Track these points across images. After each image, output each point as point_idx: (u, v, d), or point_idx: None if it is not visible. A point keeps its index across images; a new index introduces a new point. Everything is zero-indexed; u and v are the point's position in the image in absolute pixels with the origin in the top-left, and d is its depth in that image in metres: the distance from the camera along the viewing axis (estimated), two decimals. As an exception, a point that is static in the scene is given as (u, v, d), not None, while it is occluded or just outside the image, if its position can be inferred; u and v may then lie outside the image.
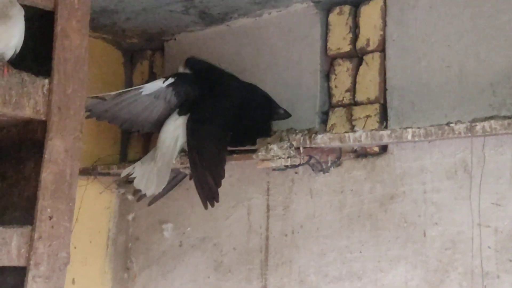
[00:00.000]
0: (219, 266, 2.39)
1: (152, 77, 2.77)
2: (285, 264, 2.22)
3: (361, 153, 2.09)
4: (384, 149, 2.06)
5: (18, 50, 1.92)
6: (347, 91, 2.20)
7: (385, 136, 1.81)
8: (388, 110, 2.09)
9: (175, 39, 2.67)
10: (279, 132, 2.00)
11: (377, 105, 2.12)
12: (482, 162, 1.86)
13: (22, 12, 1.85)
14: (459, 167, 1.91)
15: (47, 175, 1.88)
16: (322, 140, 1.90)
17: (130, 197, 2.56)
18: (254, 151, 2.02)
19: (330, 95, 2.24)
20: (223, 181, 2.26)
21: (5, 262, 1.81)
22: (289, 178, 2.25)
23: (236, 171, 2.35)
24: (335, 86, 2.23)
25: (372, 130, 1.88)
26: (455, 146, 1.92)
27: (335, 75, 2.24)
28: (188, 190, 2.50)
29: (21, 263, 1.84)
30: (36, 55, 2.05)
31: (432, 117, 1.96)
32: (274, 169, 2.18)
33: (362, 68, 2.18)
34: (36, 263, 1.86)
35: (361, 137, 1.84)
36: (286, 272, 2.21)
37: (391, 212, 2.02)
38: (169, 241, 2.55)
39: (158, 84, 2.22)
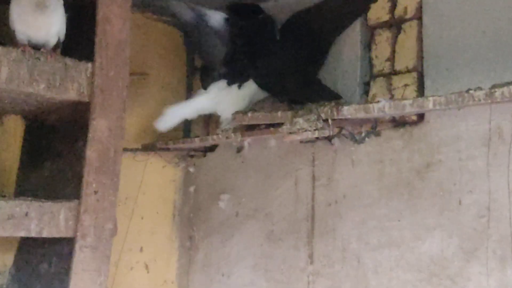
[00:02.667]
0: (271, 235, 2.43)
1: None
2: (329, 232, 2.24)
3: (399, 122, 2.06)
4: (421, 117, 2.02)
5: (62, 38, 2.04)
6: (387, 60, 2.17)
7: (407, 105, 1.78)
8: (425, 78, 2.05)
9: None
10: (309, 105, 2.00)
11: (414, 74, 2.08)
12: None
13: (61, 1, 1.95)
14: (494, 133, 1.85)
15: (91, 152, 2.00)
16: (348, 111, 1.90)
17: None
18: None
19: (371, 66, 2.22)
20: (273, 153, 2.40)
21: (54, 233, 1.95)
22: (332, 149, 2.26)
23: (283, 143, 2.37)
24: (376, 56, 2.21)
25: (395, 100, 1.86)
26: (490, 113, 1.85)
27: (376, 44, 2.21)
28: (243, 162, 2.58)
29: (69, 234, 1.98)
30: (80, 40, 2.14)
31: (468, 84, 1.88)
32: (301, 142, 2.20)
33: (400, 36, 2.14)
34: (83, 235, 1.98)
35: (384, 107, 1.82)
36: (330, 240, 2.23)
37: (428, 180, 1.99)
38: (226, 211, 2.62)
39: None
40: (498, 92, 1.61)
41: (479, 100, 1.64)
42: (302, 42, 2.32)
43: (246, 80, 2.36)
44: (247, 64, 2.36)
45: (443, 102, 1.71)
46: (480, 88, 1.66)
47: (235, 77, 2.40)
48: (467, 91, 1.67)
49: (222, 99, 2.40)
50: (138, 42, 2.67)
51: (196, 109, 2.53)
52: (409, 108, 1.79)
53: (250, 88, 2.35)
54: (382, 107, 1.83)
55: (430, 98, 1.74)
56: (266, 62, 2.35)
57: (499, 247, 1.81)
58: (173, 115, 2.53)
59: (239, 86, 2.37)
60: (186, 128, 2.85)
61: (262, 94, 2.38)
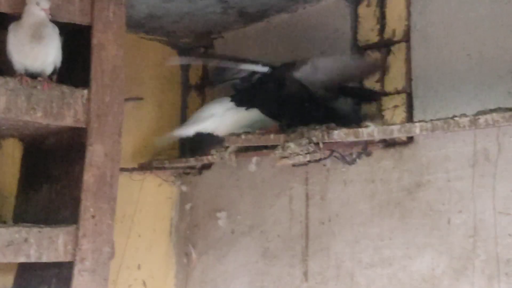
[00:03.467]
0: (266, 252, 2.46)
1: (205, 75, 2.90)
2: (323, 250, 2.27)
3: (390, 143, 2.10)
4: (410, 138, 2.05)
5: (58, 65, 2.07)
6: (377, 81, 2.20)
7: (395, 130, 1.82)
8: (414, 99, 2.09)
9: (222, 37, 2.76)
10: (300, 129, 2.03)
11: (404, 95, 2.11)
12: (502, 150, 1.84)
13: (57, 31, 1.99)
14: (481, 155, 1.88)
15: (88, 177, 2.04)
16: (338, 135, 1.93)
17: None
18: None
19: (360, 85, 2.26)
20: (267, 171, 2.45)
21: (53, 258, 1.98)
22: (325, 168, 2.29)
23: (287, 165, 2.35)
24: (366, 78, 2.23)
25: (383, 125, 1.89)
26: (477, 135, 1.89)
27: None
28: (238, 180, 2.62)
29: (67, 258, 2.00)
30: (76, 65, 2.18)
31: (455, 105, 1.95)
32: (294, 165, 2.24)
33: (389, 58, 2.17)
34: (82, 259, 2.01)
35: (373, 132, 1.87)
36: (324, 258, 2.26)
37: (418, 200, 2.02)
38: (223, 228, 2.64)
39: None
40: (482, 119, 1.64)
41: (464, 126, 1.67)
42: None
43: (253, 107, 2.37)
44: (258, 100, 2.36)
45: (429, 128, 1.75)
46: (465, 115, 1.68)
47: (244, 102, 2.41)
48: (453, 117, 1.69)
49: (225, 118, 2.44)
50: (132, 63, 2.69)
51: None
52: (397, 133, 1.83)
53: (255, 113, 2.38)
54: (371, 132, 1.87)
55: (417, 124, 1.77)
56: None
57: (486, 266, 1.84)
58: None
59: (246, 109, 2.40)
60: (181, 146, 2.89)
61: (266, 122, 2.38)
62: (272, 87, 2.29)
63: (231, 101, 2.40)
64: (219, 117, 2.46)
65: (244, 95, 2.37)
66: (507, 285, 1.80)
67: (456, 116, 1.71)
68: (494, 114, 1.63)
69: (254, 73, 2.25)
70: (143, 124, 2.80)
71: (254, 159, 2.49)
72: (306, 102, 2.18)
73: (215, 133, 2.51)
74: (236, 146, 2.31)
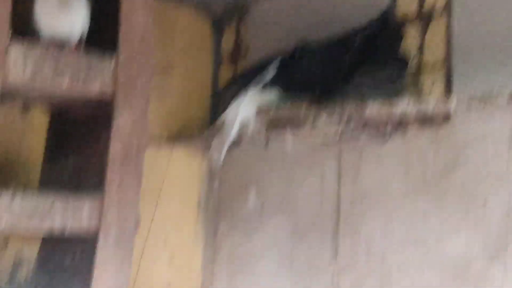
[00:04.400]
0: (295, 230, 2.51)
1: (238, 46, 2.92)
2: (354, 230, 2.31)
3: (426, 121, 2.10)
4: (447, 116, 2.06)
5: (85, 33, 2.11)
6: (415, 53, 2.23)
7: (430, 106, 1.87)
8: (453, 73, 2.11)
9: (256, 10, 2.81)
10: (331, 104, 2.07)
11: (443, 69, 2.14)
12: None
13: None
14: None
15: (115, 147, 2.08)
16: (371, 110, 1.98)
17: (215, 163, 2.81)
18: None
19: (398, 57, 2.25)
20: (299, 148, 2.48)
21: (77, 227, 2.04)
22: (358, 145, 2.32)
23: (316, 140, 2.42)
24: (405, 49, 2.25)
25: (416, 101, 1.93)
26: None
27: (405, 37, 2.26)
28: (268, 156, 2.66)
29: (92, 229, 2.05)
30: (103, 32, 2.20)
31: (496, 80, 1.95)
32: (324, 141, 2.28)
33: (429, 31, 2.20)
34: (106, 229, 2.05)
35: (407, 106, 1.91)
36: (355, 237, 2.31)
37: (453, 180, 2.05)
38: (251, 205, 2.69)
39: None
40: (518, 97, 1.68)
41: (502, 103, 1.72)
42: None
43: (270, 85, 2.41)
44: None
45: (466, 103, 1.79)
46: (502, 92, 1.72)
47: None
48: (491, 93, 1.74)
49: (245, 101, 2.46)
50: (161, 31, 2.68)
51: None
52: (432, 108, 1.87)
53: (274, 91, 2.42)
54: (405, 106, 1.92)
55: (453, 99, 1.82)
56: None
57: None
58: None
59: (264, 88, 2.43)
60: (211, 117, 2.91)
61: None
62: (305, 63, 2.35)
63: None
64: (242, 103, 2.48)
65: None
66: (543, 270, 1.84)
67: (494, 93, 1.74)
68: (537, 90, 1.66)
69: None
70: (172, 95, 2.83)
71: (285, 135, 2.50)
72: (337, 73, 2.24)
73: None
74: (266, 121, 2.35)
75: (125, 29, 2.13)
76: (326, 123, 2.04)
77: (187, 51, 2.90)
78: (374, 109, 1.99)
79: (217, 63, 3.00)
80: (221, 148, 2.52)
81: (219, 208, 2.88)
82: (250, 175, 2.74)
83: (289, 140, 2.53)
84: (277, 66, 2.43)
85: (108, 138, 2.11)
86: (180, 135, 2.77)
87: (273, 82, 2.43)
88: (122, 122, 2.11)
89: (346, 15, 2.43)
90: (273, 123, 2.38)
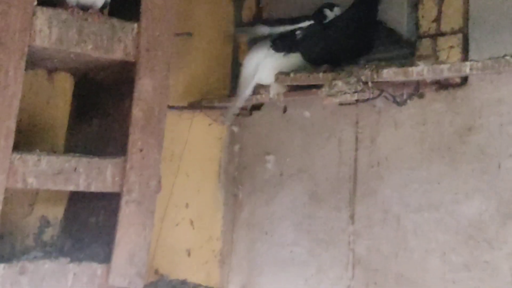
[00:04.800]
0: (313, 195, 2.55)
1: (259, 13, 2.94)
2: (370, 194, 2.35)
3: (443, 85, 2.14)
4: (464, 80, 2.10)
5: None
6: (433, 21, 2.23)
7: (445, 70, 1.89)
8: (470, 40, 2.12)
9: None
10: (349, 68, 2.10)
11: (460, 35, 2.15)
12: None
13: None
14: None
15: (137, 111, 2.14)
16: (388, 74, 2.00)
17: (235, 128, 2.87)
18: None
19: (417, 26, 2.28)
20: (318, 114, 2.53)
21: (101, 188, 2.11)
22: (375, 110, 2.35)
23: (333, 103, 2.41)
24: (422, 17, 2.27)
25: (433, 64, 1.95)
26: None
27: (423, 5, 2.27)
28: (288, 122, 2.69)
29: (115, 189, 2.12)
30: (129, 5, 2.25)
31: (509, 45, 1.98)
32: (341, 104, 2.31)
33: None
34: (129, 190, 2.13)
35: (423, 71, 1.93)
36: (371, 202, 2.34)
37: (469, 144, 2.07)
38: (271, 170, 2.73)
39: None
40: (537, 58, 1.70)
41: None
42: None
43: (292, 51, 2.45)
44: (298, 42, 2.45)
45: (479, 67, 1.81)
46: None
47: (283, 47, 2.49)
48: (503, 56, 1.76)
49: (265, 65, 2.50)
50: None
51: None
52: (447, 72, 1.90)
53: (295, 58, 2.44)
54: (421, 71, 1.94)
55: (467, 63, 1.84)
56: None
57: None
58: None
59: (284, 55, 2.46)
60: (232, 85, 2.94)
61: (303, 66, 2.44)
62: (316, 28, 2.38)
63: (271, 47, 2.50)
64: (261, 66, 2.51)
65: (284, 41, 2.47)
66: (556, 230, 1.87)
67: (507, 55, 1.76)
68: (549, 53, 1.68)
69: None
70: (194, 61, 2.85)
71: (304, 100, 2.55)
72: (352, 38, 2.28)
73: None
74: (285, 86, 2.38)
75: (147, -3, 2.18)
76: (343, 87, 2.06)
77: (209, 19, 2.92)
78: (390, 73, 2.01)
79: (237, 32, 3.01)
80: (234, 105, 2.56)
81: (239, 173, 2.91)
82: (270, 141, 2.76)
83: (307, 105, 2.58)
84: (304, 29, 2.46)
85: (130, 103, 2.17)
86: (202, 101, 2.80)
87: (296, 47, 2.47)
88: (144, 87, 2.17)
89: None
90: (292, 88, 2.40)
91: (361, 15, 2.35)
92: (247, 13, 3.01)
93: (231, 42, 3.01)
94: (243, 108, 2.85)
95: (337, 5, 2.41)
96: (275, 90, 2.47)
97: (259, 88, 2.65)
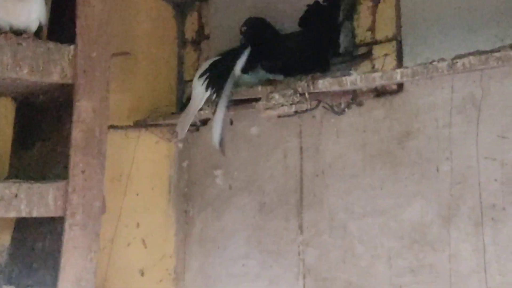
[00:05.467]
0: (262, 207, 2.56)
1: (201, 29, 2.95)
2: (317, 203, 2.37)
3: (380, 92, 2.19)
4: (400, 87, 2.14)
5: (44, 22, 2.14)
6: (368, 30, 2.27)
7: (377, 78, 1.92)
8: (404, 47, 2.16)
9: None
10: (285, 80, 2.13)
11: (394, 43, 2.19)
12: (487, 96, 1.93)
13: None
14: (468, 101, 1.98)
15: (77, 133, 2.12)
16: (323, 84, 2.03)
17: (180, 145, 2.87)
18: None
19: (353, 35, 2.32)
20: (262, 127, 2.53)
21: (43, 213, 2.07)
22: (317, 120, 2.38)
23: (272, 116, 2.45)
24: (358, 26, 2.31)
25: (365, 72, 1.99)
26: (464, 81, 1.98)
27: (358, 14, 2.31)
28: (234, 136, 2.70)
29: (58, 213, 2.09)
30: (64, 22, 2.24)
31: (443, 51, 2.00)
32: (279, 116, 2.33)
33: (380, 6, 2.25)
34: (72, 213, 2.09)
35: (356, 80, 1.97)
36: (318, 210, 2.36)
37: (408, 149, 2.12)
38: (220, 185, 2.74)
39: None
40: (459, 63, 1.74)
41: (442, 71, 1.77)
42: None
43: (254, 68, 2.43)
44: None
45: (409, 73, 1.84)
46: (443, 59, 1.78)
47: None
48: (431, 62, 1.79)
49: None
50: (124, 18, 2.76)
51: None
52: (379, 80, 1.93)
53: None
54: (354, 80, 1.97)
55: (398, 71, 1.87)
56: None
57: (473, 212, 1.95)
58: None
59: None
60: (178, 101, 2.97)
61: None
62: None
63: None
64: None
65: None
66: (493, 230, 1.91)
67: (434, 61, 1.80)
68: (471, 57, 1.72)
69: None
70: (138, 81, 2.85)
71: (248, 114, 2.56)
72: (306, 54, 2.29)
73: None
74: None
75: (82, 17, 2.17)
76: (280, 99, 2.08)
77: (151, 37, 2.92)
78: (325, 84, 2.04)
79: (181, 47, 3.03)
80: (184, 124, 2.54)
81: (189, 189, 2.91)
82: (217, 155, 2.71)
83: (252, 119, 2.60)
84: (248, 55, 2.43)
85: (70, 125, 2.15)
86: (147, 119, 2.80)
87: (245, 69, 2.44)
88: (83, 108, 2.15)
89: None
90: (236, 102, 2.40)
91: (312, 34, 2.38)
92: (190, 29, 3.02)
93: (176, 59, 3.02)
94: (191, 124, 2.84)
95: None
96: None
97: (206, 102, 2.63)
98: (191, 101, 2.56)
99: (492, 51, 1.72)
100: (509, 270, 1.87)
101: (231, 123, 2.69)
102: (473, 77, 1.96)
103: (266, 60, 2.41)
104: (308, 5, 2.38)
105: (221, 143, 2.33)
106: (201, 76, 2.48)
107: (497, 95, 1.92)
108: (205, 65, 2.54)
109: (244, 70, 2.42)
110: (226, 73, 2.34)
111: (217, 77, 2.42)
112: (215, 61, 2.53)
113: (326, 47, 2.36)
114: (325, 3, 2.35)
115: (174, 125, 2.81)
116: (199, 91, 2.49)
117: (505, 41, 1.89)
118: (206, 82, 2.43)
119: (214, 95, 2.36)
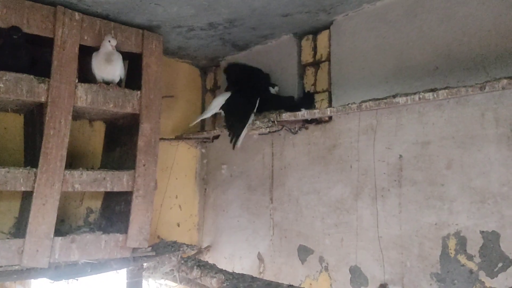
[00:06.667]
0: (249, 187, 2.57)
1: (216, 83, 2.94)
2: (281, 185, 2.38)
3: (319, 121, 2.18)
4: (330, 118, 2.14)
5: (123, 76, 2.14)
6: (312, 85, 2.28)
7: (316, 113, 1.93)
8: (332, 95, 2.17)
9: (224, 59, 2.81)
10: (263, 113, 2.12)
11: (326, 93, 2.20)
12: (378, 124, 1.94)
13: (121, 56, 2.07)
14: (369, 127, 1.98)
15: (141, 142, 2.13)
16: (285, 116, 2.03)
17: (203, 150, 2.85)
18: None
19: (303, 88, 2.32)
20: (251, 140, 2.47)
21: (120, 189, 2.09)
22: (281, 137, 2.38)
23: (255, 134, 2.44)
24: (306, 83, 2.31)
25: (312, 110, 1.98)
26: (366, 115, 1.98)
27: (306, 76, 2.32)
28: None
29: (129, 189, 2.11)
30: (135, 76, 2.24)
31: (355, 98, 2.03)
32: (260, 134, 2.32)
33: (319, 71, 2.26)
34: (137, 189, 2.11)
35: (304, 114, 1.98)
36: (282, 189, 2.37)
37: (334, 154, 2.12)
38: (224, 174, 2.75)
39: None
40: (363, 105, 1.75)
41: (354, 109, 1.78)
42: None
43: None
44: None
45: (335, 111, 1.86)
46: (354, 103, 1.79)
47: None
48: (347, 104, 1.80)
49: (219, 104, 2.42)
50: (170, 76, 2.77)
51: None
52: (317, 114, 1.94)
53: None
54: (303, 114, 1.98)
55: (328, 109, 1.88)
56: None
57: (370, 192, 1.96)
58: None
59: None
60: (201, 125, 2.96)
61: None
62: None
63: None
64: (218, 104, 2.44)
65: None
66: (382, 202, 1.92)
67: (349, 103, 1.81)
68: (370, 102, 1.74)
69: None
70: (177, 112, 2.85)
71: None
72: (274, 102, 2.25)
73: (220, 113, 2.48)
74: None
75: (145, 75, 2.18)
76: (260, 124, 2.08)
77: (186, 87, 2.92)
78: (286, 116, 2.04)
79: (204, 93, 3.02)
80: (199, 118, 2.50)
81: (206, 176, 2.90)
82: (224, 157, 2.77)
83: (245, 135, 2.58)
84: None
85: (137, 137, 2.16)
86: (182, 135, 2.79)
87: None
88: (145, 127, 2.16)
89: (274, 62, 2.47)
90: None
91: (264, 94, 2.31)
92: (209, 83, 3.02)
93: (200, 100, 3.01)
94: (208, 138, 2.84)
95: (276, 85, 2.37)
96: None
97: (217, 126, 2.65)
98: (206, 110, 2.52)
99: (382, 99, 1.72)
100: (391, 225, 1.88)
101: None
102: (372, 113, 1.97)
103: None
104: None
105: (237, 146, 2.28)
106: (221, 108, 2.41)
107: (385, 124, 1.93)
108: (222, 97, 2.44)
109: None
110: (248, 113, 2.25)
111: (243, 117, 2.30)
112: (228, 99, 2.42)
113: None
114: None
115: (199, 138, 2.84)
116: (213, 106, 2.44)
117: (391, 92, 1.88)
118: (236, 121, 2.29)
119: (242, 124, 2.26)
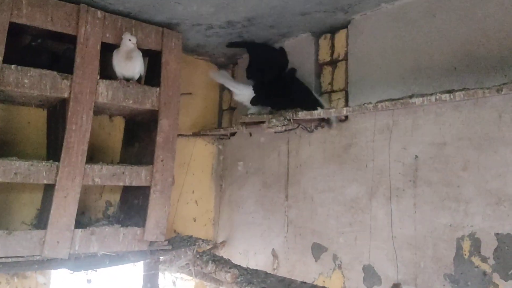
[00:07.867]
0: (265, 184, 2.58)
1: (234, 79, 2.95)
2: (296, 183, 2.38)
3: (335, 120, 2.18)
4: (346, 117, 2.14)
5: (143, 74, 2.17)
6: (329, 84, 2.28)
7: (332, 112, 1.94)
8: (349, 95, 2.17)
9: (242, 58, 2.82)
10: (280, 111, 2.12)
11: (343, 92, 2.20)
12: (395, 124, 1.94)
13: (140, 54, 2.10)
14: (385, 127, 1.97)
15: (159, 138, 2.16)
16: (301, 115, 2.04)
17: (220, 146, 2.88)
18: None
19: (320, 87, 2.33)
20: (266, 136, 2.50)
21: (138, 183, 2.13)
22: (297, 135, 2.39)
23: (271, 132, 2.44)
24: (323, 82, 2.32)
25: (327, 109, 1.99)
26: (382, 115, 1.98)
27: (323, 75, 2.32)
28: (250, 142, 2.70)
29: (147, 184, 2.14)
30: (154, 74, 2.28)
31: (371, 98, 2.02)
32: (276, 132, 2.33)
33: (336, 70, 2.26)
34: (155, 184, 2.14)
35: (320, 113, 1.98)
36: (296, 187, 2.38)
37: (349, 153, 2.12)
38: (240, 170, 2.76)
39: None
40: (379, 105, 1.75)
41: (370, 109, 1.78)
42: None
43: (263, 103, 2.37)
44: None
45: (351, 110, 1.86)
46: (370, 103, 1.79)
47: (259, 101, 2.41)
48: (364, 104, 1.80)
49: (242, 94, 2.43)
50: (188, 73, 2.78)
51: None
52: (333, 114, 1.94)
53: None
54: (319, 113, 1.99)
55: (344, 108, 1.88)
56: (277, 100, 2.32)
57: (385, 191, 1.95)
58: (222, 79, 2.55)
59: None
60: (218, 121, 2.98)
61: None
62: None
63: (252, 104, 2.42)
64: (240, 92, 2.45)
65: (258, 98, 2.41)
66: (397, 202, 1.91)
67: (365, 103, 1.81)
68: (386, 102, 1.73)
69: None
70: (195, 109, 2.87)
71: (260, 130, 2.53)
72: (289, 96, 2.24)
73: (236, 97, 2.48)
74: (245, 121, 2.39)
75: (164, 72, 2.22)
76: (276, 122, 2.09)
77: (204, 84, 2.93)
78: (303, 114, 2.05)
79: (221, 90, 3.03)
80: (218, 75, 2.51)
81: (223, 172, 2.92)
82: (240, 153, 2.78)
83: (262, 133, 2.60)
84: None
85: (155, 133, 2.19)
86: (200, 131, 2.82)
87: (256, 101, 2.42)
88: (163, 124, 2.19)
89: (292, 60, 2.47)
90: (252, 123, 2.40)
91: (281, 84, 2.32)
92: (226, 80, 3.03)
93: (218, 97, 3.02)
94: (225, 135, 2.86)
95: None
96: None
97: (234, 123, 2.66)
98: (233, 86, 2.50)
99: (398, 99, 1.72)
100: (405, 226, 1.87)
101: (250, 135, 2.69)
102: (388, 113, 1.96)
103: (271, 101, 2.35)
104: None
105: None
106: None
107: (401, 125, 1.92)
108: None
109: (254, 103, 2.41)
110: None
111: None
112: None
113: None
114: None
115: (216, 135, 2.85)
116: (239, 92, 2.44)
117: (408, 92, 1.87)
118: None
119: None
